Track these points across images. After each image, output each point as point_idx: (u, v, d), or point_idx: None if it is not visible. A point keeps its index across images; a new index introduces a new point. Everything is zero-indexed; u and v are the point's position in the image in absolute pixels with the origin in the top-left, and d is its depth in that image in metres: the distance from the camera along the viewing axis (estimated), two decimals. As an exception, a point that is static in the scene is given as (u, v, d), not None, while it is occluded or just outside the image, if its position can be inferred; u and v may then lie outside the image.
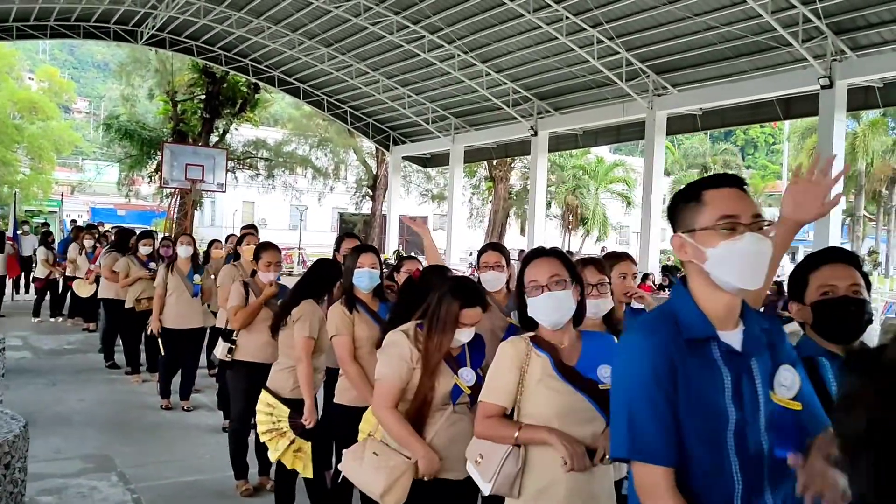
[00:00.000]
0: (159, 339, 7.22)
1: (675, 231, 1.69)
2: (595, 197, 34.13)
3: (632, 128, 17.82)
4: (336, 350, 3.83)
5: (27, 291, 16.24)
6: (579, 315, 2.48)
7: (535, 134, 18.95)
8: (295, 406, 4.15)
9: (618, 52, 15.18)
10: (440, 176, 33.07)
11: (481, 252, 3.95)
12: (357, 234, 6.60)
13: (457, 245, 22.48)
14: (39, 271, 13.17)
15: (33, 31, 19.72)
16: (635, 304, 3.57)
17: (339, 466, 2.95)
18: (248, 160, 30.16)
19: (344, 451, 2.97)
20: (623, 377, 1.61)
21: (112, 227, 14.96)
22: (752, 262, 1.60)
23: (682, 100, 15.68)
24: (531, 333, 2.48)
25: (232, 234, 8.41)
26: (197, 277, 7.14)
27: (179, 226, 24.31)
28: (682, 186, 1.73)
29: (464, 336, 2.84)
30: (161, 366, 7.34)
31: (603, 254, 3.90)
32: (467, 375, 2.80)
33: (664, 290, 14.34)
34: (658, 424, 1.54)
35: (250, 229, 7.92)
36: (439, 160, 25.18)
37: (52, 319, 12.94)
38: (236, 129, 29.28)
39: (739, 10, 12.87)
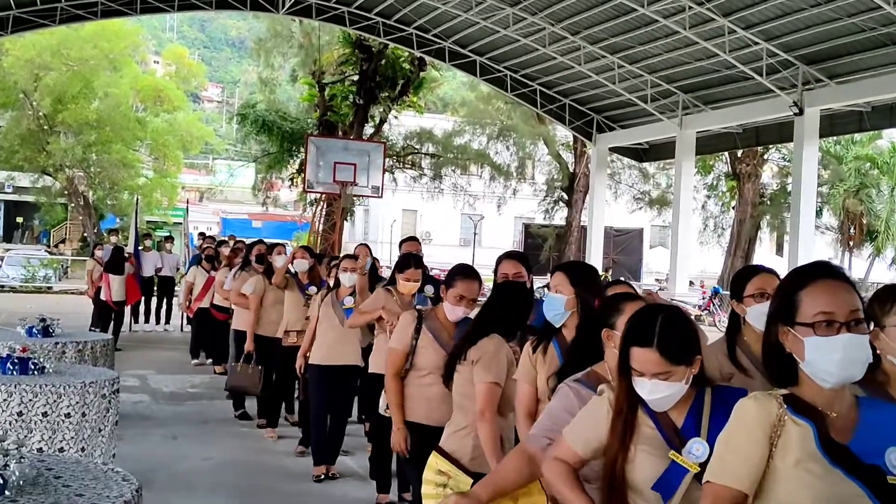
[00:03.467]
0: (298, 380, 7.52)
1: None
2: (889, 201, 32.15)
3: (948, 100, 16.48)
4: (517, 401, 3.94)
5: (146, 320, 17.67)
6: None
7: (800, 112, 18.01)
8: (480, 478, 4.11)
9: (925, -7, 14.11)
10: (661, 173, 32.36)
11: (747, 276, 3.83)
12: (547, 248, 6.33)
13: (684, 267, 21.77)
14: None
15: (159, 3, 21.52)
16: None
17: None
18: (409, 157, 31.17)
19: None
20: None
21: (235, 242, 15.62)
22: None
23: None
24: (784, 391, 2.29)
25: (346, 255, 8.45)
26: (349, 300, 7.39)
27: (326, 241, 25.53)
28: None
29: (653, 391, 2.64)
30: (311, 420, 7.59)
31: None
32: (698, 449, 2.60)
33: None
34: None
35: (412, 242, 8.09)
36: (660, 151, 24.63)
37: (195, 361, 13.49)
38: (396, 118, 30.39)
39: None
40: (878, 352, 2.67)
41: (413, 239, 8.76)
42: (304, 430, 8.27)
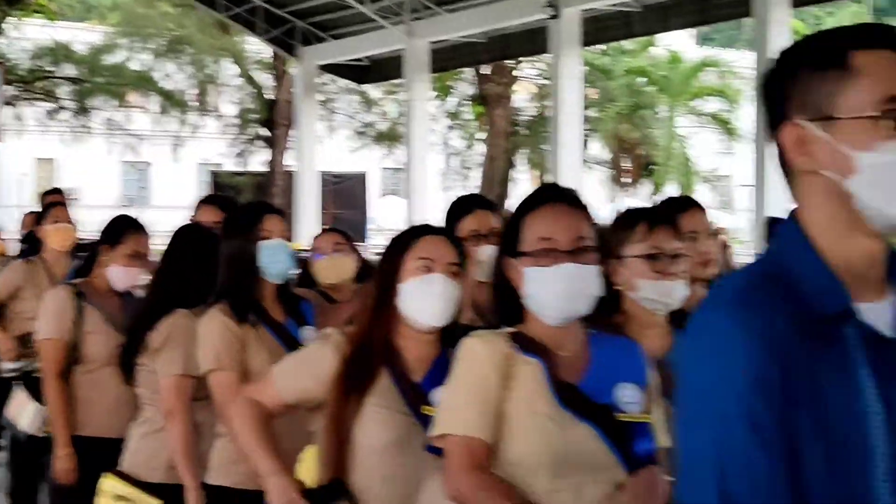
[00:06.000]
0: None
1: (784, 118, 1.61)
2: (668, 125, 33.67)
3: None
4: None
5: None
6: (602, 309, 2.71)
7: (556, 15, 18.41)
8: None
9: None
10: (390, 99, 32.73)
11: (458, 213, 4.08)
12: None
13: (422, 215, 22.10)
14: None
15: None
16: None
17: None
18: (40, 83, 29.96)
19: None
20: (698, 392, 1.56)
21: None
22: None
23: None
24: (511, 329, 2.67)
25: (30, 213, 8.50)
26: None
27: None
28: (803, 38, 1.67)
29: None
30: None
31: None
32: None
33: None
34: (773, 476, 1.47)
35: (56, 195, 8.09)
36: (386, 69, 24.62)
37: None
38: (16, 30, 29.12)
39: None
40: (615, 288, 3.06)
41: (57, 191, 8.70)
42: None
